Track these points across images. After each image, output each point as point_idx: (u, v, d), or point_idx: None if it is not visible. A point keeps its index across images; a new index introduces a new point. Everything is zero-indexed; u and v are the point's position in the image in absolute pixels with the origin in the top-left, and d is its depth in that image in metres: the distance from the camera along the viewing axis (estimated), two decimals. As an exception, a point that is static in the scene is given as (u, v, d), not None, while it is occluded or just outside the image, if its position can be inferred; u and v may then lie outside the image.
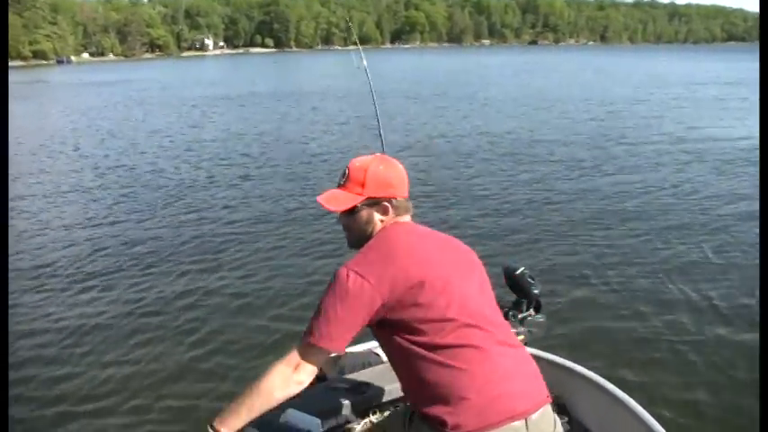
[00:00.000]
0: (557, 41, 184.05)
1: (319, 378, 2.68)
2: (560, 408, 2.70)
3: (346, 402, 2.53)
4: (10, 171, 12.41)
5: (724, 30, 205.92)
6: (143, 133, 17.49)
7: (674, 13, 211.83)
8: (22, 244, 7.81)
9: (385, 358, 2.12)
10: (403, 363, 1.85)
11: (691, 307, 5.53)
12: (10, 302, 6.00)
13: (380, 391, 2.58)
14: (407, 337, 1.77)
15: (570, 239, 7.42)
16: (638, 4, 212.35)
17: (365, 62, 4.11)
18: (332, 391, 2.59)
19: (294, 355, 1.76)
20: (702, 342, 4.91)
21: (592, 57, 78.52)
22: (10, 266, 6.95)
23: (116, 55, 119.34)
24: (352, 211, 1.97)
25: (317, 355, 1.77)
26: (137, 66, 79.87)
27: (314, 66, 62.11)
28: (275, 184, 10.76)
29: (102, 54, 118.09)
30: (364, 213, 1.97)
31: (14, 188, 10.95)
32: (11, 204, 9.73)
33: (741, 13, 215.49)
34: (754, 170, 10.58)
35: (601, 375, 2.71)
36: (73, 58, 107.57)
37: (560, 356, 2.87)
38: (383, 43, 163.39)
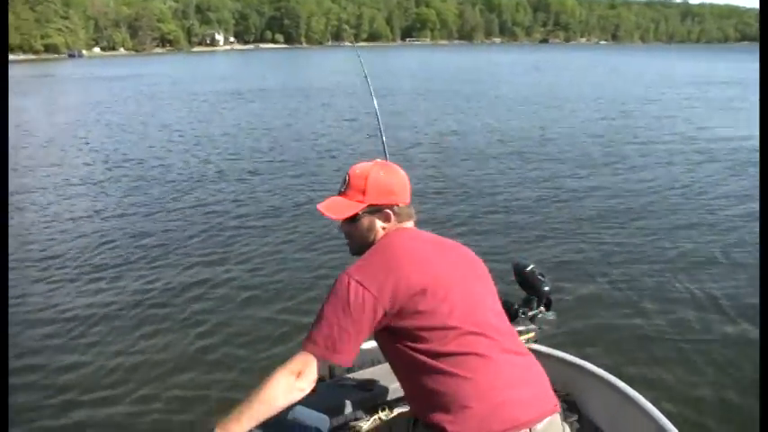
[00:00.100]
0: (568, 40, 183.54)
1: (327, 375, 2.67)
2: (570, 405, 2.68)
3: (354, 399, 2.52)
4: (22, 163, 12.52)
5: (737, 30, 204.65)
6: (153, 127, 17.53)
7: (687, 12, 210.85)
8: (32, 235, 7.85)
9: None
10: (405, 370, 1.83)
11: (699, 305, 5.53)
12: (20, 292, 6.07)
13: (389, 388, 2.57)
14: (410, 344, 1.75)
15: (580, 237, 7.40)
16: (651, 4, 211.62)
17: (365, 70, 4.07)
18: (340, 388, 2.58)
19: (296, 363, 1.73)
20: (710, 340, 4.91)
21: (603, 56, 78.26)
22: (20, 257, 7.03)
23: (127, 49, 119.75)
24: (354, 219, 1.95)
25: (319, 364, 1.75)
26: (147, 60, 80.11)
27: (324, 62, 62.10)
28: (284, 180, 10.76)
29: (113, 48, 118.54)
30: (366, 221, 1.95)
31: (25, 180, 11.02)
32: (21, 197, 9.81)
33: (755, 13, 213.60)
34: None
35: (611, 373, 2.68)
36: (84, 52, 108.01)
37: (570, 354, 2.85)
38: (393, 40, 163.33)
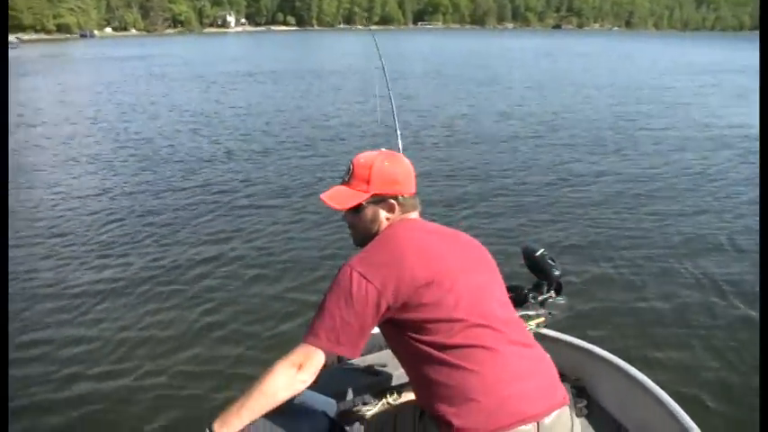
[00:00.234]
0: (581, 26, 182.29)
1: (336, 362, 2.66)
2: (579, 390, 2.67)
3: (361, 384, 2.51)
4: (33, 142, 12.57)
5: (753, 17, 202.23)
6: (163, 107, 17.53)
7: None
8: (41, 213, 7.87)
9: None
10: (411, 362, 1.80)
11: (706, 290, 5.53)
12: (27, 268, 6.10)
13: (396, 372, 2.55)
14: (415, 336, 1.71)
15: (590, 221, 7.37)
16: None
17: (380, 53, 4.03)
18: (347, 373, 2.57)
19: (298, 356, 1.70)
20: (718, 325, 4.92)
21: (616, 42, 77.62)
22: (28, 234, 7.07)
23: (138, 30, 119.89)
24: (357, 209, 1.91)
25: (320, 357, 1.71)
26: (158, 41, 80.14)
27: (335, 45, 61.92)
28: (293, 160, 10.73)
29: (125, 29, 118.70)
30: (369, 211, 1.91)
31: (35, 158, 11.06)
32: (32, 175, 9.86)
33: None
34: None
35: (620, 357, 2.66)
36: (96, 32, 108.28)
37: (580, 339, 2.83)
38: (405, 24, 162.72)
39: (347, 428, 2.18)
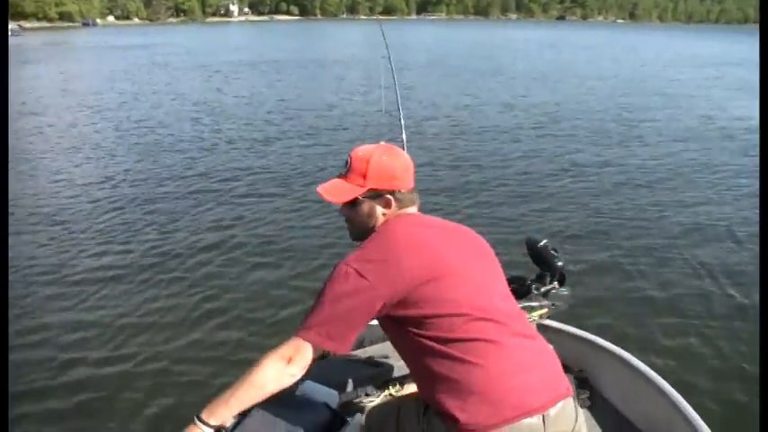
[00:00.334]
0: (585, 18, 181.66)
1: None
2: (582, 381, 2.66)
3: (364, 375, 2.50)
4: (35, 130, 12.54)
5: (758, 10, 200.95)
6: (166, 96, 17.50)
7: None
8: (43, 200, 7.86)
9: None
10: (413, 357, 1.78)
11: (709, 281, 5.56)
12: (29, 254, 6.11)
13: (398, 364, 2.54)
14: (416, 332, 1.70)
15: (593, 212, 7.38)
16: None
17: (387, 43, 4.00)
18: (350, 364, 2.56)
19: (288, 349, 1.69)
20: (720, 315, 4.94)
21: (620, 34, 77.34)
22: (30, 221, 7.07)
23: (141, 19, 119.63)
24: (354, 203, 1.90)
25: (312, 351, 1.70)
26: (161, 30, 79.94)
27: (338, 34, 61.76)
28: (295, 150, 10.71)
29: (128, 17, 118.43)
30: (366, 206, 1.89)
31: (37, 146, 11.04)
32: (34, 163, 9.84)
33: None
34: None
35: (623, 349, 2.66)
36: (98, 20, 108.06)
37: (583, 330, 2.82)
38: (409, 14, 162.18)
39: (349, 420, 2.18)
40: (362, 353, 2.66)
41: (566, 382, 1.77)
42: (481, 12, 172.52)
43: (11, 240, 6.29)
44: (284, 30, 78.32)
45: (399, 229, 1.83)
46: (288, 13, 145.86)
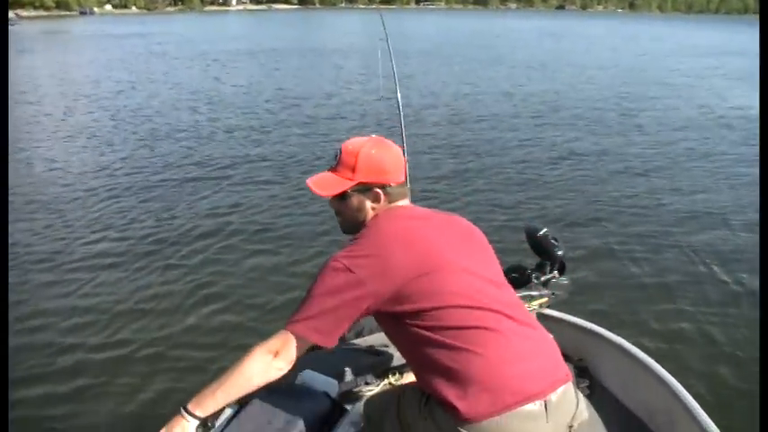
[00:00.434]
0: (584, 7, 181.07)
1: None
2: (582, 370, 2.65)
3: (363, 364, 2.49)
4: (31, 119, 12.51)
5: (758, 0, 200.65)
6: (163, 85, 17.43)
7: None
8: (40, 188, 7.84)
9: None
10: (411, 350, 1.78)
11: (709, 269, 5.55)
12: (25, 242, 6.09)
13: (398, 353, 2.53)
14: (412, 324, 1.70)
15: (592, 200, 7.38)
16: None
17: (386, 32, 3.98)
18: (349, 353, 2.55)
19: (275, 342, 1.70)
20: (720, 302, 4.95)
21: (620, 24, 77.16)
22: (26, 209, 7.04)
23: (138, 8, 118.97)
24: (343, 197, 1.88)
25: (299, 344, 1.71)
26: (159, 19, 79.67)
27: (337, 24, 61.55)
28: (294, 138, 10.68)
29: (125, 6, 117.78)
30: (355, 200, 1.88)
31: (34, 135, 11.00)
32: (30, 152, 9.81)
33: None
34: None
35: (623, 338, 2.65)
36: (96, 9, 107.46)
37: (583, 319, 2.81)
38: (408, 3, 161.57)
39: (348, 408, 2.17)
40: (362, 342, 2.65)
41: (565, 368, 1.76)
42: (480, 1, 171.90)
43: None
44: (283, 19, 78.08)
45: (389, 223, 1.81)
46: (286, 2, 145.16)
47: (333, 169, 1.90)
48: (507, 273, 2.78)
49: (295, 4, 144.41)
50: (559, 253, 2.72)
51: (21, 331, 4.48)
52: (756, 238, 6.20)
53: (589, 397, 2.55)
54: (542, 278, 2.71)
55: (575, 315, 2.85)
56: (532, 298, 2.67)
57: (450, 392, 1.64)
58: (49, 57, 26.75)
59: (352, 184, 1.86)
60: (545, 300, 2.70)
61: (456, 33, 47.33)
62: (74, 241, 6.17)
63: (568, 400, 1.75)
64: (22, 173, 8.52)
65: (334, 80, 18.43)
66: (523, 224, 2.82)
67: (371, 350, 2.57)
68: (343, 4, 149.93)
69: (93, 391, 3.87)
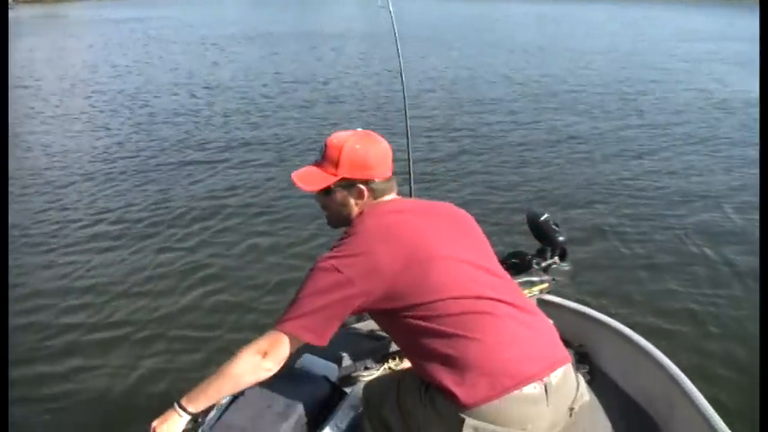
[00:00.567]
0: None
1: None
2: (582, 356, 2.65)
3: (363, 348, 2.49)
4: (28, 104, 12.47)
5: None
6: (161, 70, 17.30)
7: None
8: (35, 173, 7.82)
9: None
10: (407, 341, 1.79)
11: (709, 261, 5.52)
12: (22, 231, 6.06)
13: None
14: (405, 317, 1.70)
15: (591, 184, 7.39)
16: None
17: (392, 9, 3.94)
18: (349, 337, 2.55)
19: (264, 343, 1.72)
20: (719, 293, 4.92)
21: (620, 9, 76.53)
22: (23, 194, 7.05)
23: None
24: (327, 192, 1.88)
25: (288, 344, 1.72)
26: (156, 2, 79.00)
27: (335, 6, 61.13)
28: (292, 122, 10.63)
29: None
30: (339, 195, 1.88)
31: (31, 119, 10.98)
32: (27, 137, 9.79)
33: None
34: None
35: (623, 324, 2.66)
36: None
37: (583, 305, 2.81)
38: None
39: (348, 392, 2.18)
40: (362, 326, 2.65)
41: (563, 351, 1.78)
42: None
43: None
44: (282, 1, 77.50)
45: (375, 220, 1.81)
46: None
47: (317, 163, 1.91)
48: (508, 258, 2.78)
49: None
50: (561, 239, 2.72)
51: (18, 312, 4.51)
52: (753, 217, 6.27)
53: (589, 383, 2.55)
54: (543, 264, 2.71)
55: (575, 301, 2.85)
56: (533, 284, 2.67)
57: (448, 379, 1.64)
58: (46, 41, 26.56)
59: (336, 179, 1.86)
60: (545, 285, 2.70)
61: (454, 18, 47.04)
62: (70, 224, 6.19)
63: (569, 382, 1.75)
64: (18, 156, 8.52)
65: (333, 64, 18.29)
66: (525, 209, 2.81)
67: (371, 335, 2.57)
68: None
69: (89, 370, 3.92)
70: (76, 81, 15.44)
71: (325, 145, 1.91)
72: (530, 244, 2.90)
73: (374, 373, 2.42)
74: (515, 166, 8.10)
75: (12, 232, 5.89)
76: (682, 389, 2.25)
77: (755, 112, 11.90)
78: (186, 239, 5.82)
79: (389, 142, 1.96)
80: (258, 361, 1.71)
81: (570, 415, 1.79)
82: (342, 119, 10.69)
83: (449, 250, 1.76)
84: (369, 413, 2.02)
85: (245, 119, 10.92)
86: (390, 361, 2.47)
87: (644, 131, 10.14)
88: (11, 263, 5.22)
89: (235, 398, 1.99)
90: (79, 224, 6.19)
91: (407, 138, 3.52)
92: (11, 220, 6.16)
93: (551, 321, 1.89)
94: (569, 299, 2.85)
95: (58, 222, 6.24)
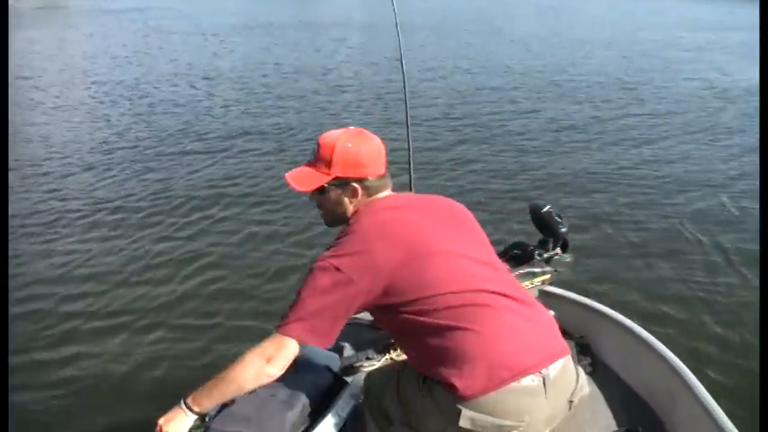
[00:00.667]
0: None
1: None
2: (583, 348, 2.65)
3: (365, 339, 2.50)
4: (28, 95, 12.45)
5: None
6: (161, 61, 17.22)
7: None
8: (35, 168, 7.79)
9: None
10: (404, 335, 1.80)
11: (707, 248, 5.56)
12: (20, 223, 6.06)
13: None
14: (403, 313, 1.70)
15: (594, 179, 7.34)
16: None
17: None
18: (351, 328, 2.55)
19: (268, 348, 1.71)
20: (718, 283, 4.94)
21: (621, -2, 76.42)
22: (23, 188, 7.00)
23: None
24: (321, 191, 1.88)
25: (293, 348, 1.71)
26: (156, -7, 78.80)
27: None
28: (292, 114, 10.59)
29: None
30: (333, 194, 1.88)
31: (30, 110, 10.96)
32: (26, 128, 9.74)
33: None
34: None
35: (625, 315, 2.65)
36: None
37: (585, 297, 2.81)
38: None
39: (349, 382, 2.19)
40: (364, 316, 2.66)
41: (562, 343, 1.77)
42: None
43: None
44: (281, -8, 77.24)
45: (371, 218, 1.81)
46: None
47: (311, 163, 1.91)
48: (510, 249, 2.78)
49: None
50: (563, 230, 2.72)
51: (19, 301, 4.54)
52: (753, 204, 6.32)
53: (591, 375, 2.56)
54: (545, 255, 2.71)
55: (575, 291, 2.85)
56: (535, 275, 2.67)
57: (447, 371, 1.64)
58: (46, 32, 26.48)
59: (329, 179, 1.86)
60: (547, 277, 2.70)
61: (455, 8, 46.90)
62: (70, 213, 6.21)
63: (568, 375, 1.75)
64: (19, 147, 8.49)
65: (333, 54, 18.24)
66: (520, 193, 2.81)
67: (373, 325, 2.57)
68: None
69: (89, 357, 3.96)
70: (76, 72, 15.38)
71: (318, 144, 1.91)
72: (529, 231, 2.91)
73: (375, 363, 2.42)
74: (516, 155, 8.11)
75: (12, 222, 5.89)
76: (684, 381, 2.25)
77: (755, 100, 11.89)
78: (185, 228, 5.84)
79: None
80: (262, 366, 1.70)
81: (570, 408, 1.79)
82: (342, 109, 10.68)
83: (446, 245, 1.76)
84: (369, 403, 2.03)
85: (244, 109, 10.90)
86: (392, 351, 2.48)
87: (644, 120, 10.15)
88: (11, 252, 5.23)
89: None
90: (79, 213, 6.20)
91: (407, 127, 3.50)
92: (11, 209, 6.16)
93: (552, 313, 1.89)
94: (571, 290, 2.84)
95: (58, 212, 6.24)
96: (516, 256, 2.74)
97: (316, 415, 1.99)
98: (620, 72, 15.26)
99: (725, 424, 2.03)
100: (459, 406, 1.63)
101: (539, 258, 2.68)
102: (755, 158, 8.24)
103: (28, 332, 4.22)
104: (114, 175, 7.32)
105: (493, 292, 1.71)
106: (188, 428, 1.74)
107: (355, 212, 1.87)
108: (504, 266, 1.90)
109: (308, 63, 16.48)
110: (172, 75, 14.77)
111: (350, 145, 1.87)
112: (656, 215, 6.24)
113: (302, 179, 1.90)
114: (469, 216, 1.96)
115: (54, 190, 6.89)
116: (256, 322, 4.21)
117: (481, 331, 1.64)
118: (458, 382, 1.62)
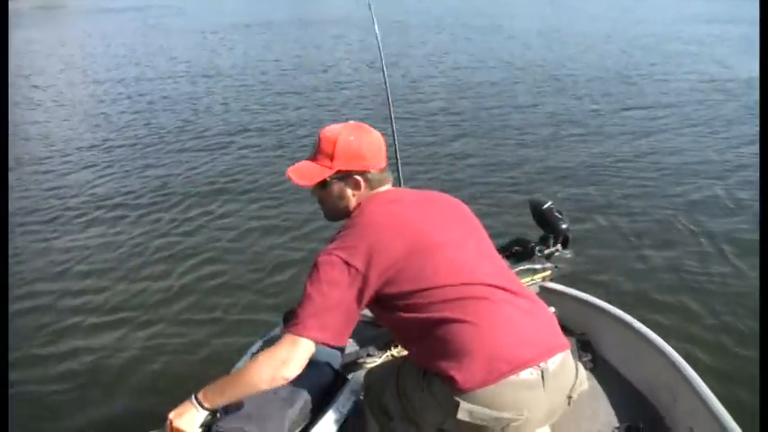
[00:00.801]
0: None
1: None
2: (584, 344, 2.65)
3: (366, 336, 2.50)
4: (27, 95, 12.45)
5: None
6: (160, 59, 17.24)
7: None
8: (36, 166, 7.81)
9: None
10: (403, 329, 1.79)
11: (705, 244, 5.53)
12: (21, 221, 6.09)
13: None
14: (401, 306, 1.70)
15: (593, 172, 7.35)
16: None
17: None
18: None
19: (283, 350, 1.67)
20: (716, 275, 4.94)
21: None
22: (23, 187, 7.03)
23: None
24: (324, 185, 1.87)
25: (308, 349, 1.68)
26: (155, -9, 78.76)
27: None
28: (291, 111, 10.60)
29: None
30: (335, 188, 1.87)
31: (30, 109, 11.00)
32: (26, 127, 9.77)
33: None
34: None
35: (626, 311, 2.65)
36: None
37: (585, 293, 2.81)
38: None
39: (350, 378, 2.19)
40: (365, 313, 2.66)
41: (561, 337, 1.77)
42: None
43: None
44: (280, -10, 77.17)
45: (374, 209, 1.80)
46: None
47: (312, 158, 1.90)
48: (510, 245, 2.77)
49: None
50: (564, 226, 2.71)
51: (19, 297, 4.59)
52: (753, 193, 6.35)
53: (591, 371, 2.56)
54: (546, 251, 2.70)
55: (576, 287, 2.85)
56: (535, 271, 2.66)
57: (446, 364, 1.64)
58: (46, 31, 26.53)
59: (331, 172, 1.85)
60: (548, 273, 2.69)
61: (454, 3, 46.84)
62: (70, 210, 6.27)
63: (567, 370, 1.75)
64: (19, 145, 8.54)
65: (331, 51, 18.21)
66: (519, 187, 2.81)
67: (374, 322, 2.57)
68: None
69: (89, 352, 4.00)
70: (76, 70, 15.42)
71: (319, 138, 1.90)
72: (528, 223, 2.91)
73: (376, 360, 2.43)
74: (515, 148, 8.12)
75: (12, 219, 5.92)
76: (684, 377, 2.25)
77: (755, 93, 11.87)
78: (185, 224, 5.88)
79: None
80: (277, 369, 1.67)
81: (569, 403, 1.78)
82: (342, 105, 10.69)
83: (446, 238, 1.76)
84: (369, 399, 2.03)
85: (243, 106, 10.92)
86: (393, 348, 2.48)
87: (643, 114, 10.13)
88: (11, 249, 5.26)
89: None
90: (79, 210, 6.24)
91: (391, 123, 3.34)
92: (11, 207, 6.18)
93: (553, 309, 1.89)
94: (571, 286, 2.84)
95: (57, 209, 6.28)
96: (517, 252, 2.73)
97: (317, 412, 2.00)
98: (619, 66, 15.22)
99: (725, 419, 2.03)
100: (458, 398, 1.62)
101: (539, 255, 2.67)
102: (753, 150, 8.26)
103: (28, 328, 4.25)
104: (113, 173, 7.35)
105: (492, 286, 1.71)
106: (199, 424, 1.72)
107: (358, 206, 1.87)
108: (503, 261, 1.90)
109: (307, 60, 16.47)
110: (171, 72, 14.79)
111: (352, 138, 1.86)
112: (655, 206, 6.24)
113: (304, 173, 1.89)
114: (468, 211, 1.96)
115: (54, 187, 6.92)
116: (255, 316, 4.23)
117: (480, 324, 1.64)
118: (457, 375, 1.61)
